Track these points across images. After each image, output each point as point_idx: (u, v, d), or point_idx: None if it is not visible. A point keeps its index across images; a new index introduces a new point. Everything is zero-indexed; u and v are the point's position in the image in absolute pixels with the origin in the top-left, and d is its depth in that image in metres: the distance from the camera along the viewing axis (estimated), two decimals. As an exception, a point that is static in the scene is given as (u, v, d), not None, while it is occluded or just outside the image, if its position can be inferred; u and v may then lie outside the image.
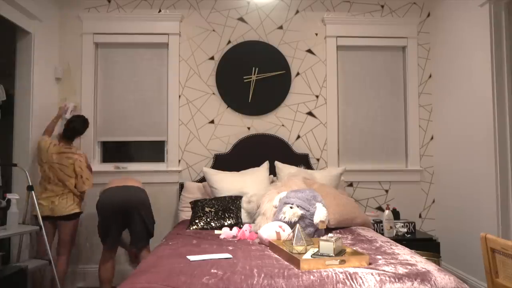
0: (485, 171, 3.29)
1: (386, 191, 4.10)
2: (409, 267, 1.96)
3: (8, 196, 2.85)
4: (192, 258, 2.15)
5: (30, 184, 3.03)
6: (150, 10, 4.01)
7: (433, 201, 4.12)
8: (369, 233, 2.87)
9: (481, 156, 3.36)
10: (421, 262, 2.03)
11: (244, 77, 4.02)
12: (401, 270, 1.91)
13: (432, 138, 4.15)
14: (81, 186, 3.26)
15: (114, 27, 3.96)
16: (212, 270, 1.91)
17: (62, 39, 3.94)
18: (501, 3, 3.20)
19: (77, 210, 3.27)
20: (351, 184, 4.02)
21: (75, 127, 3.33)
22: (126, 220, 3.10)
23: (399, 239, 3.41)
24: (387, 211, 3.58)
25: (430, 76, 4.17)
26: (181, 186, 3.85)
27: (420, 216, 4.10)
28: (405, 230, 3.62)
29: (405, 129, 4.17)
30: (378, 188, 4.10)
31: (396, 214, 3.81)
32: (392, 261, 2.09)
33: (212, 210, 3.23)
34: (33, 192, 3.01)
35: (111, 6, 3.99)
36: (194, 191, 3.71)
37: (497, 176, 3.15)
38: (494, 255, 1.89)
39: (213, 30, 4.05)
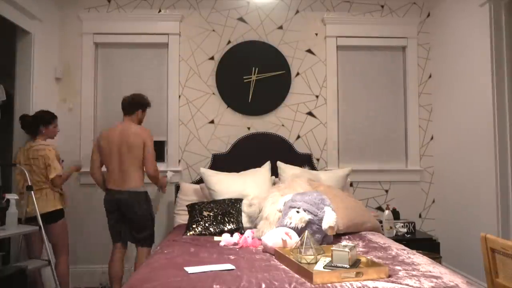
0: (485, 171, 3.29)
1: (386, 191, 4.10)
2: (435, 280, 1.83)
3: (7, 196, 2.83)
4: (190, 270, 1.97)
5: (30, 184, 3.02)
6: (150, 10, 4.00)
7: (433, 201, 4.12)
8: (381, 239, 2.72)
9: (481, 156, 3.35)
10: (446, 274, 1.93)
11: (244, 77, 4.01)
12: (426, 284, 1.78)
13: (432, 138, 4.15)
14: (50, 173, 3.04)
15: (114, 27, 3.96)
16: (214, 286, 1.74)
17: (62, 39, 3.94)
18: (501, 3, 3.20)
19: (60, 206, 3.10)
20: (351, 184, 4.01)
21: (29, 119, 3.11)
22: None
23: (399, 239, 3.40)
24: (387, 211, 3.58)
25: (430, 76, 4.17)
26: (177, 187, 3.78)
27: (420, 216, 4.10)
28: (405, 230, 3.62)
29: (405, 129, 4.16)
30: (378, 188, 4.09)
31: (396, 214, 3.80)
32: (414, 272, 1.95)
33: (211, 214, 3.06)
34: (32, 192, 3.00)
35: (111, 6, 3.99)
36: (190, 193, 3.60)
37: (497, 176, 3.15)
38: (494, 255, 1.88)
39: (213, 30, 4.05)
